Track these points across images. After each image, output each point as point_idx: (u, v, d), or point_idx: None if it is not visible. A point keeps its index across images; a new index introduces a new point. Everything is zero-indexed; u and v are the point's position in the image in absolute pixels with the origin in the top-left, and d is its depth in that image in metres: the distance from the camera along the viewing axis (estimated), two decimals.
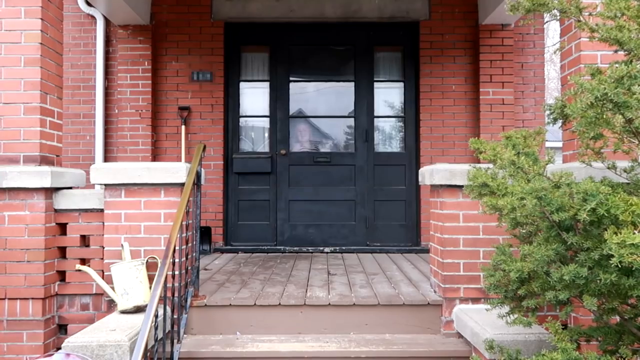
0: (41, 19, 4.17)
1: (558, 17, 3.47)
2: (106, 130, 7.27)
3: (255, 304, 4.03)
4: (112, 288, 3.86)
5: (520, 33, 7.25)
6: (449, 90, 7.09)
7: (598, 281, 2.28)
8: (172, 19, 7.10)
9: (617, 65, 2.32)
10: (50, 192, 4.14)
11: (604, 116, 2.44)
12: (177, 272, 3.79)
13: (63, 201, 4.21)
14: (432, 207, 4.27)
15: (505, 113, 6.95)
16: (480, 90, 6.95)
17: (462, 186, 3.79)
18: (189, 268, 4.19)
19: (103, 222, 4.11)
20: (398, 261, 5.83)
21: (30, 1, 4.15)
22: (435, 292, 4.20)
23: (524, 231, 2.84)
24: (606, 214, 2.18)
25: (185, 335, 3.93)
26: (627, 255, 1.90)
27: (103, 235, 4.11)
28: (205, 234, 6.63)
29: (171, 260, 3.53)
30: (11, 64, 4.15)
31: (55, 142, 4.40)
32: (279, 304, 4.04)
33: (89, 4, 7.10)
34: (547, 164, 2.70)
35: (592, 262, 2.32)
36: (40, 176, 4.03)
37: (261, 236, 7.06)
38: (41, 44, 4.17)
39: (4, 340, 4.02)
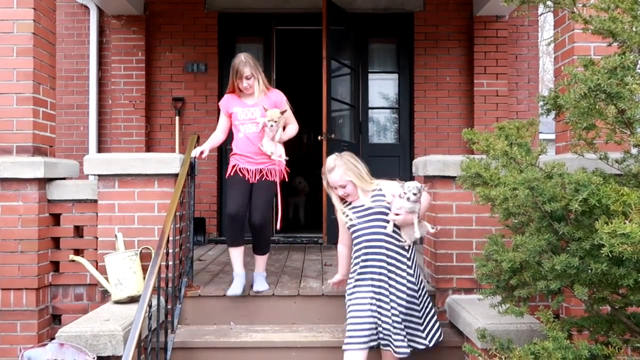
0: (34, 8, 4.14)
1: (552, 9, 3.47)
2: (100, 121, 7.26)
3: (249, 294, 4.04)
4: (106, 278, 3.86)
5: (514, 25, 7.25)
6: (444, 81, 7.10)
7: (589, 271, 2.29)
8: (166, 10, 7.07)
9: (610, 56, 2.33)
10: (43, 182, 4.13)
11: (597, 107, 2.45)
12: (170, 263, 3.79)
13: (56, 192, 4.20)
14: None
15: (499, 105, 6.97)
16: (475, 81, 6.96)
17: (455, 177, 3.78)
18: (183, 259, 4.20)
19: (97, 213, 4.10)
20: None
21: None
22: (428, 282, 4.21)
23: (516, 221, 2.85)
24: (597, 204, 2.19)
25: (179, 326, 3.93)
26: (617, 245, 1.91)
27: (97, 225, 4.10)
28: (199, 225, 6.62)
29: (165, 250, 3.53)
30: (3, 54, 4.12)
31: (48, 132, 4.38)
32: (273, 294, 4.05)
33: None
34: (539, 155, 2.71)
35: (584, 252, 2.33)
36: (33, 167, 4.01)
37: None
38: (34, 33, 4.15)
39: None
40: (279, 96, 4.25)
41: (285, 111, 4.11)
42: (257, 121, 4.10)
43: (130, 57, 6.99)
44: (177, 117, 7.02)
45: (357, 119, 7.05)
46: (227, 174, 4.19)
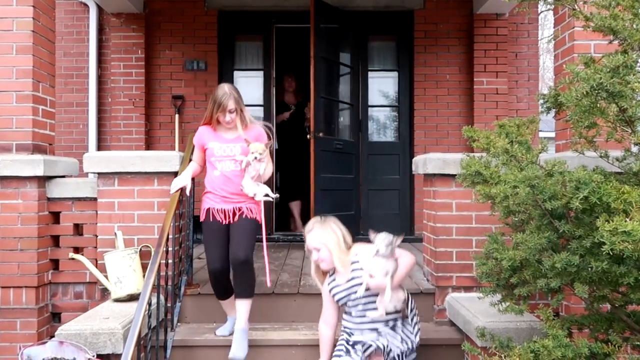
0: (33, 6, 4.13)
1: (552, 6, 3.47)
2: (99, 119, 7.24)
3: None
4: (106, 276, 3.86)
5: (514, 22, 7.23)
6: (443, 79, 7.08)
7: (589, 269, 2.29)
8: (166, 7, 7.05)
9: (612, 54, 2.32)
10: (43, 180, 4.13)
11: (598, 105, 2.45)
12: (170, 261, 3.79)
13: (56, 190, 4.19)
14: (426, 196, 4.28)
15: (499, 103, 6.96)
16: (475, 79, 6.94)
17: (455, 175, 3.78)
18: (183, 257, 4.20)
19: (96, 211, 4.10)
20: None
21: None
22: (428, 280, 4.21)
23: (516, 219, 2.85)
24: (598, 202, 2.19)
25: (179, 324, 3.93)
26: (618, 242, 1.91)
27: (96, 223, 4.10)
28: (199, 223, 6.59)
29: (164, 248, 3.52)
30: (3, 52, 4.11)
31: (48, 130, 4.37)
32: (273, 292, 4.05)
33: None
34: (540, 153, 2.71)
35: (584, 250, 2.33)
36: (33, 165, 4.01)
37: None
38: (33, 31, 4.14)
39: None
40: (259, 132, 3.79)
41: (269, 143, 3.72)
42: (235, 158, 3.66)
43: (129, 55, 6.97)
44: (176, 115, 7.01)
45: (357, 117, 7.04)
46: (202, 218, 3.78)
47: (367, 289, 3.14)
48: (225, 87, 3.69)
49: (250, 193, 3.66)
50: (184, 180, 3.81)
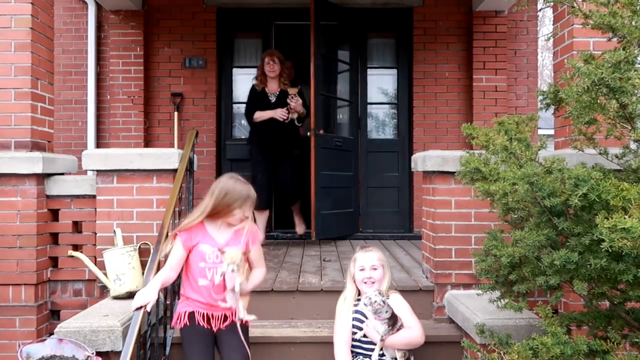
0: (31, 3, 4.13)
1: (551, 3, 3.47)
2: (98, 117, 7.24)
3: None
4: (105, 274, 3.86)
5: (513, 20, 7.23)
6: (443, 77, 7.08)
7: (588, 266, 2.29)
8: (164, 5, 7.04)
9: (613, 50, 2.32)
10: (42, 178, 4.12)
11: (598, 101, 2.45)
12: None
13: (55, 187, 4.19)
14: (425, 193, 4.28)
15: (498, 100, 6.96)
16: (474, 77, 6.95)
17: (454, 172, 3.79)
18: None
19: (95, 208, 4.09)
20: (390, 247, 5.84)
21: None
22: (427, 278, 4.21)
23: (515, 217, 2.85)
24: (597, 199, 2.19)
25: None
26: (617, 240, 1.91)
27: (95, 221, 4.09)
28: None
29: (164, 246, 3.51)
30: (1, 49, 4.11)
31: (46, 128, 4.37)
32: (272, 289, 4.05)
33: None
34: (539, 150, 2.71)
35: (583, 247, 2.33)
36: (32, 162, 4.01)
37: None
38: (32, 28, 4.13)
39: None
40: (253, 231, 3.24)
41: (247, 252, 3.14)
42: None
43: (128, 52, 6.97)
44: (175, 113, 7.01)
45: (356, 115, 7.04)
46: (177, 322, 3.15)
47: (364, 335, 3.27)
48: (240, 180, 3.14)
49: (227, 305, 3.08)
50: (149, 296, 2.97)
